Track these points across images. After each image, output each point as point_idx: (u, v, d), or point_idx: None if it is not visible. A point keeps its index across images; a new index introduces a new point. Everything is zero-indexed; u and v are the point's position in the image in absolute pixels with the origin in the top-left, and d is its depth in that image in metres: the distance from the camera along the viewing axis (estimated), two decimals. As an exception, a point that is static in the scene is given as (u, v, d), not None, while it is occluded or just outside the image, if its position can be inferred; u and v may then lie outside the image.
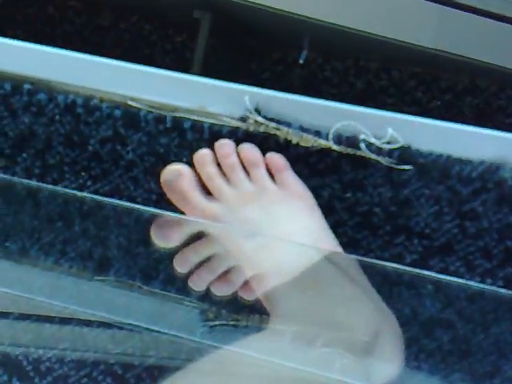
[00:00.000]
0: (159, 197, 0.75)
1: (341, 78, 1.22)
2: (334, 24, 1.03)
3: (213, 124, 0.73)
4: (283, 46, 1.22)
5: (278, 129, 0.72)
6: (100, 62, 0.75)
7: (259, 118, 0.72)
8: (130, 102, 0.74)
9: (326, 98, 1.25)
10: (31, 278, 0.69)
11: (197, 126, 0.73)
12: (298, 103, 0.73)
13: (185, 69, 1.21)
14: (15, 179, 0.77)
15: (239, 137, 0.73)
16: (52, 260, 0.71)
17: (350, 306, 0.68)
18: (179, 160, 0.74)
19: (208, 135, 0.73)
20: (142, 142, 0.75)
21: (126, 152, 0.75)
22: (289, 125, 0.72)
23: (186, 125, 0.73)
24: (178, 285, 0.68)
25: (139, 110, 0.74)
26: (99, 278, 0.69)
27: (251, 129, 0.72)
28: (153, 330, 0.60)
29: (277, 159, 0.72)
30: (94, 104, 0.75)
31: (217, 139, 0.73)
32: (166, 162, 0.74)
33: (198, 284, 0.67)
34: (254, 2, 1.02)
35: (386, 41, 1.03)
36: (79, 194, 0.78)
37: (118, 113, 0.74)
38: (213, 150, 0.73)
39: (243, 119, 0.73)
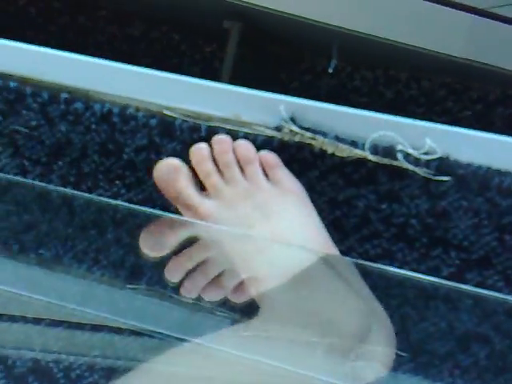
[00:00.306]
0: None
1: (370, 87, 1.21)
2: (364, 33, 1.02)
3: (247, 133, 0.72)
4: (312, 55, 1.21)
5: (313, 138, 0.71)
6: (137, 72, 0.75)
7: (295, 128, 0.71)
8: (165, 112, 0.74)
9: (355, 107, 1.24)
10: (64, 285, 0.69)
11: (231, 135, 0.73)
12: (333, 113, 0.72)
13: (213, 78, 1.21)
14: (50, 187, 0.77)
15: (274, 146, 0.72)
16: (85, 268, 0.71)
17: (339, 305, 0.68)
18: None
19: None
20: (177, 150, 0.74)
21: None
22: (324, 134, 0.71)
23: (220, 133, 0.73)
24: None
25: (174, 119, 0.74)
26: (131, 286, 0.69)
27: (286, 138, 0.72)
28: (184, 340, 0.60)
29: (269, 156, 0.72)
30: (130, 113, 0.74)
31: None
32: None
33: (191, 290, 0.68)
34: (283, 12, 1.02)
35: (416, 50, 1.02)
36: (113, 202, 0.77)
37: (153, 122, 0.74)
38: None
39: (278, 128, 0.72)
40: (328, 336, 0.61)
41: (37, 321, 0.77)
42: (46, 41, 1.29)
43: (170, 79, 0.75)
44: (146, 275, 0.71)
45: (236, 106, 0.73)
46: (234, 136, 0.73)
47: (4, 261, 0.71)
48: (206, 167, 0.72)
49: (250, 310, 0.65)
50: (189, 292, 0.67)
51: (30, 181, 0.76)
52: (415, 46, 1.02)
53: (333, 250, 0.72)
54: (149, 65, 1.20)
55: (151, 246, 0.74)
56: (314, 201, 0.73)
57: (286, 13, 1.02)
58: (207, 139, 0.73)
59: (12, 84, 0.76)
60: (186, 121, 0.73)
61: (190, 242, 0.74)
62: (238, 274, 0.71)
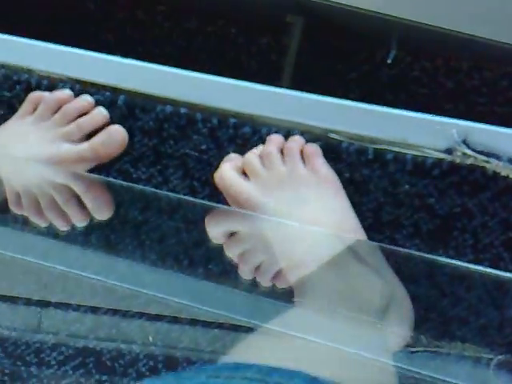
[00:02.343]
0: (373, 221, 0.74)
1: (430, 77, 1.18)
2: (424, 23, 0.98)
3: (415, 155, 0.72)
4: (371, 46, 1.18)
5: (487, 161, 0.71)
6: (301, 97, 0.75)
7: (468, 151, 0.71)
8: (330, 135, 0.74)
9: (415, 97, 1.20)
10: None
11: (399, 158, 0.73)
12: (507, 136, 0.71)
13: (273, 71, 1.19)
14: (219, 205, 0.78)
15: (444, 168, 0.72)
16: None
17: (366, 282, 0.71)
18: (378, 191, 0.74)
19: (411, 167, 0.73)
20: (343, 172, 0.74)
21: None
22: (498, 157, 0.71)
23: (389, 156, 0.73)
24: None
25: (340, 142, 0.74)
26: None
27: (457, 161, 0.71)
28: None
29: (310, 146, 0.75)
30: None
31: (420, 171, 0.73)
32: (364, 192, 0.75)
33: (242, 273, 0.71)
34: (344, 4, 0.99)
35: (477, 40, 0.98)
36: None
37: (319, 145, 0.75)
38: (414, 181, 0.73)
39: (449, 151, 0.72)
40: (357, 311, 0.64)
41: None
42: (105, 36, 1.29)
43: (335, 104, 0.75)
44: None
45: (403, 129, 0.73)
46: (402, 159, 0.73)
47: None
48: (249, 156, 0.75)
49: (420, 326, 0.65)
50: (242, 273, 0.71)
51: (199, 200, 0.77)
52: (476, 36, 0.98)
53: (361, 234, 0.75)
54: (205, 59, 1.19)
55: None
56: (485, 223, 0.73)
57: (346, 5, 0.99)
58: (375, 162, 0.74)
59: (183, 110, 0.77)
60: (352, 143, 0.73)
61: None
62: (274, 263, 0.73)
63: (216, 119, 0.76)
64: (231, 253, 0.74)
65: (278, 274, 0.71)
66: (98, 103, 0.78)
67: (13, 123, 0.79)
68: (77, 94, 0.78)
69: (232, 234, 0.77)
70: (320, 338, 0.57)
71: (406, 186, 0.73)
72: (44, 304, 0.79)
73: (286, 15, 1.06)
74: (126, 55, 1.12)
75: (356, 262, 0.75)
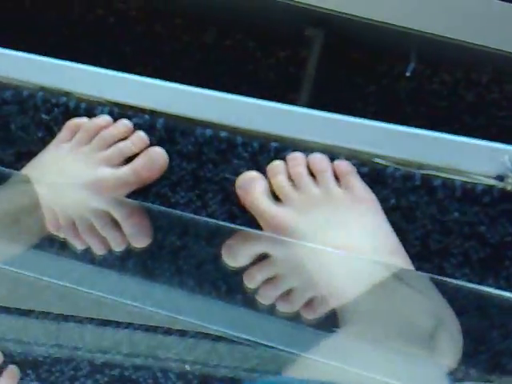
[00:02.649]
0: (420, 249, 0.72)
1: (450, 90, 1.17)
2: (443, 36, 0.98)
3: (465, 182, 0.71)
4: (389, 59, 1.18)
5: None
6: (346, 121, 0.75)
7: None
8: (375, 160, 0.73)
9: (434, 111, 1.20)
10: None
11: (448, 184, 0.72)
12: None
13: (290, 84, 1.19)
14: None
15: (495, 195, 0.71)
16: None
17: (412, 307, 0.69)
18: (425, 218, 0.72)
19: (460, 193, 0.72)
20: (388, 198, 0.73)
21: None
22: None
23: (437, 182, 0.72)
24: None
25: (386, 167, 0.73)
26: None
27: (509, 188, 0.70)
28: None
29: (343, 164, 0.73)
30: None
31: (470, 197, 0.71)
32: (411, 219, 0.73)
33: (263, 299, 0.69)
34: (363, 17, 0.98)
35: (497, 53, 0.98)
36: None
37: (364, 170, 0.73)
38: (463, 209, 0.72)
39: (500, 178, 0.71)
40: (404, 339, 0.63)
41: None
42: (122, 49, 1.29)
43: (381, 128, 0.74)
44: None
45: (451, 154, 0.72)
46: (451, 185, 0.72)
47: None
48: (279, 178, 0.74)
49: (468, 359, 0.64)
50: (263, 300, 0.69)
51: (238, 226, 0.76)
52: (496, 49, 0.97)
53: (403, 256, 0.73)
54: (223, 72, 1.18)
55: (230, 258, 0.75)
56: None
57: (365, 18, 0.98)
58: (422, 188, 0.72)
59: (223, 134, 0.76)
60: (399, 169, 0.72)
61: (265, 256, 0.76)
62: (310, 289, 0.72)
63: (257, 143, 0.76)
64: (258, 276, 0.72)
65: (310, 302, 0.69)
66: (136, 127, 0.77)
67: (51, 150, 0.79)
68: (115, 118, 0.78)
69: (260, 258, 0.76)
70: (366, 368, 0.56)
71: (455, 214, 0.71)
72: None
73: (304, 28, 1.06)
74: (143, 69, 1.12)
75: (400, 287, 0.73)
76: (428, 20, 0.99)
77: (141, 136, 0.77)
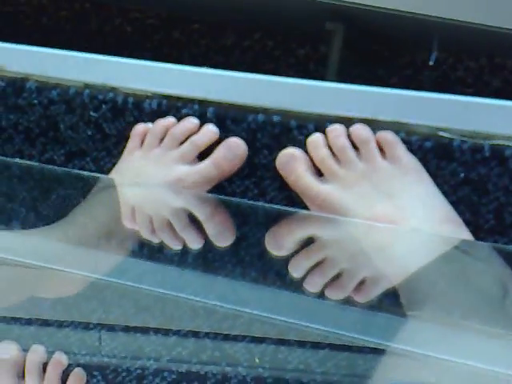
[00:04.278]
0: (475, 228, 0.68)
1: (475, 77, 1.14)
2: (465, 22, 0.95)
3: None
4: (410, 49, 1.15)
5: None
6: (405, 95, 0.71)
7: None
8: (440, 133, 0.69)
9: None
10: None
11: None
12: None
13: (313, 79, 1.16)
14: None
15: None
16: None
17: (481, 282, 0.65)
18: (498, 190, 0.68)
19: None
20: (457, 172, 0.69)
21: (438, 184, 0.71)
22: None
23: (508, 152, 0.68)
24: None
25: (451, 140, 0.69)
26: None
27: None
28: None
29: (387, 134, 0.70)
30: (402, 138, 0.70)
31: None
32: (482, 192, 0.69)
33: (312, 287, 0.65)
34: (383, 8, 0.95)
35: None
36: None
37: (428, 145, 0.70)
38: (504, 173, 0.68)
39: None
40: (484, 317, 0.59)
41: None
42: (142, 56, 1.27)
43: (444, 100, 0.70)
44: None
45: None
46: None
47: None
48: (320, 153, 0.70)
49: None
50: (310, 287, 0.65)
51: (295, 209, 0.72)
52: None
53: (459, 224, 0.69)
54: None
55: (275, 246, 0.71)
56: None
57: (386, 8, 0.95)
58: (492, 159, 0.69)
59: (276, 118, 0.73)
60: (465, 141, 0.68)
61: (312, 239, 0.72)
62: (358, 272, 0.67)
63: (312, 125, 0.72)
64: (304, 263, 0.67)
65: (362, 285, 0.65)
66: (187, 117, 0.74)
67: (125, 160, 0.76)
68: (164, 110, 0.75)
69: (308, 242, 0.72)
70: (450, 354, 0.52)
71: (530, 183, 0.68)
72: (145, 330, 0.74)
73: (324, 23, 1.03)
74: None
75: (463, 259, 0.69)
76: (447, 6, 0.96)
77: (211, 128, 0.74)
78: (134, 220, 0.74)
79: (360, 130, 0.70)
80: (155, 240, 0.69)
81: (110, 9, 1.19)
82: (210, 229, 0.73)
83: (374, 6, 0.99)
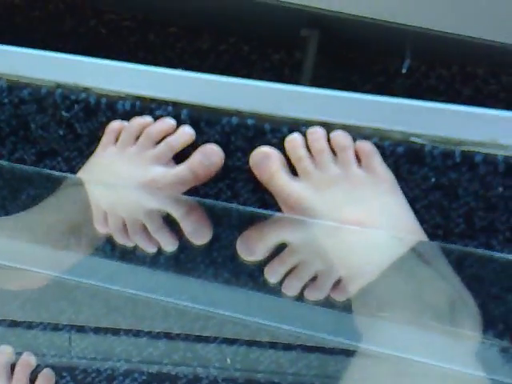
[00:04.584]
0: (445, 232, 0.70)
1: (447, 85, 1.16)
2: (438, 31, 0.96)
3: (508, 156, 0.68)
4: (384, 56, 1.16)
5: None
6: (378, 101, 0.72)
7: None
8: (412, 139, 0.70)
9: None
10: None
11: (490, 159, 0.69)
12: None
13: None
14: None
15: None
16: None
17: (432, 286, 0.67)
18: (468, 195, 0.70)
19: (503, 168, 0.69)
20: (428, 177, 0.70)
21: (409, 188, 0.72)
22: None
23: (478, 158, 0.69)
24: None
25: (423, 145, 0.70)
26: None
27: None
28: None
29: (365, 145, 0.71)
30: (375, 143, 0.71)
31: None
32: (452, 196, 0.70)
33: (290, 290, 0.66)
34: (357, 15, 0.97)
35: (493, 45, 0.96)
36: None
37: (400, 150, 0.70)
38: (508, 183, 0.69)
39: None
40: (425, 318, 0.60)
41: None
42: (117, 60, 1.26)
43: (416, 106, 0.71)
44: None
45: (492, 128, 0.69)
46: (492, 160, 0.69)
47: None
48: (298, 152, 0.71)
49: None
50: (288, 292, 0.66)
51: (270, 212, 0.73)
52: (492, 41, 0.96)
53: (421, 235, 0.70)
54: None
55: (247, 251, 0.71)
56: None
57: (360, 16, 0.97)
58: (463, 164, 0.69)
59: (250, 121, 0.73)
60: (436, 147, 0.69)
61: (284, 244, 0.72)
62: (334, 272, 0.69)
63: (286, 128, 0.72)
64: (279, 269, 0.68)
65: (337, 285, 0.66)
66: (161, 118, 0.74)
67: (98, 155, 0.75)
68: (138, 111, 0.74)
69: (280, 246, 0.72)
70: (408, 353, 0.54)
71: (500, 189, 0.69)
72: (115, 331, 0.74)
73: (300, 29, 1.04)
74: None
75: (418, 265, 0.71)
76: (421, 15, 0.98)
77: (187, 130, 0.73)
78: (106, 222, 0.73)
79: (340, 137, 0.71)
80: (129, 243, 0.69)
81: (85, 10, 1.18)
82: (186, 227, 0.72)
83: (348, 14, 1.00)
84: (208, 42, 1.21)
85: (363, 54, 1.18)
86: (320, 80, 1.11)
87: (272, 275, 0.67)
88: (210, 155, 0.73)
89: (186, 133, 0.74)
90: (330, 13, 1.00)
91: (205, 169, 0.73)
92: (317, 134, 0.71)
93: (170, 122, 0.74)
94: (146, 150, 0.73)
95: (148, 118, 0.74)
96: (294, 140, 0.72)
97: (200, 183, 0.74)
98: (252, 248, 0.73)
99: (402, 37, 1.04)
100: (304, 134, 0.72)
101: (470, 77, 1.16)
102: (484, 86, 1.16)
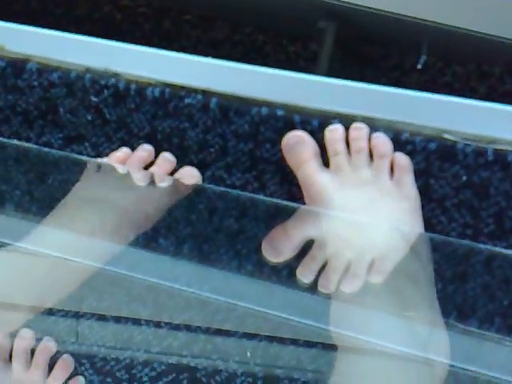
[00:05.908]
0: (475, 231, 0.68)
1: (462, 82, 1.14)
2: (456, 27, 0.95)
3: None
4: (400, 51, 1.15)
5: None
6: (412, 96, 0.70)
7: None
8: (444, 135, 0.69)
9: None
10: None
11: None
12: None
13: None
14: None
15: None
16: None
17: (422, 290, 0.68)
18: (499, 194, 0.69)
19: None
20: (459, 175, 0.69)
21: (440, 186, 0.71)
22: None
23: (510, 158, 0.68)
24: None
25: (455, 142, 0.69)
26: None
27: None
28: (469, 370, 0.53)
29: (403, 159, 0.69)
30: (406, 138, 0.70)
31: None
32: (487, 197, 0.69)
33: (327, 286, 0.66)
34: (376, 8, 0.95)
35: (510, 43, 0.95)
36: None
37: (432, 146, 0.69)
38: (507, 178, 0.68)
39: None
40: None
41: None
42: None
43: (450, 102, 0.70)
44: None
45: None
46: None
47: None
48: (336, 146, 0.70)
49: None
50: (326, 289, 0.65)
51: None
52: (508, 39, 0.95)
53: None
54: None
55: (273, 254, 0.70)
56: None
57: (378, 9, 0.95)
58: (495, 163, 0.68)
59: (280, 112, 0.71)
60: (469, 144, 0.68)
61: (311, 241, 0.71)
62: (366, 255, 0.68)
63: (316, 121, 0.71)
64: (315, 263, 0.67)
65: (372, 268, 0.66)
66: (189, 107, 0.72)
67: None
68: (167, 98, 0.73)
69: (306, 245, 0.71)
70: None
71: (532, 190, 0.68)
72: (136, 320, 0.73)
73: (317, 21, 1.02)
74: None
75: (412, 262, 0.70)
76: (439, 10, 0.96)
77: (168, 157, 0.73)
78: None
79: (381, 143, 0.70)
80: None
81: (100, -5, 1.17)
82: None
83: (367, 7, 0.99)
84: (223, 32, 1.19)
85: (379, 48, 1.17)
86: (335, 73, 1.10)
87: (306, 275, 0.67)
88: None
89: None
90: (349, 5, 0.98)
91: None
92: (360, 132, 0.70)
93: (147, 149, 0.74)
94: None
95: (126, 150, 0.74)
96: (335, 131, 0.71)
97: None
98: (278, 249, 0.71)
99: (420, 32, 1.02)
100: (346, 127, 0.71)
101: (486, 75, 1.15)
102: (499, 85, 1.15)
